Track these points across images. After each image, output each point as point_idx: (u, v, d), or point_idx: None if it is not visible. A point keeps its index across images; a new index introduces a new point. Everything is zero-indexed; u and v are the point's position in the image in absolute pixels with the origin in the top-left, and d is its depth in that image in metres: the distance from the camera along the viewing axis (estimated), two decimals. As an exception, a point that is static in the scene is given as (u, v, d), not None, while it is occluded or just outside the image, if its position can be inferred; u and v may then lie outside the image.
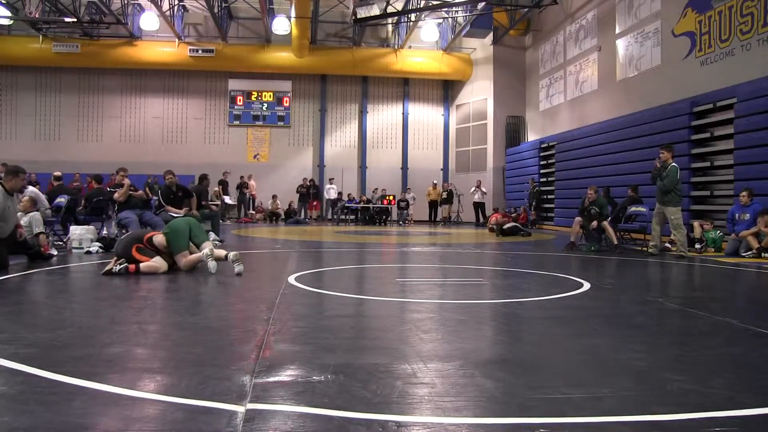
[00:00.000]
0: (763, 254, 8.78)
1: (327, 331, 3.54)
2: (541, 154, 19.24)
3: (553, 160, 18.48)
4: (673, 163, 9.04)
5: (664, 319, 4.24)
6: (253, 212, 21.35)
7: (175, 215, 8.93)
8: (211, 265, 5.92)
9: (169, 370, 2.64)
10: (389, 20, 21.01)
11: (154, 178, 16.07)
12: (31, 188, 9.28)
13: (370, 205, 20.75)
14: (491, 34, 20.91)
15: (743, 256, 8.96)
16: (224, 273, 5.94)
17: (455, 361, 2.85)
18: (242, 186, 20.82)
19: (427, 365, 2.73)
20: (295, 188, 21.66)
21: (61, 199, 9.66)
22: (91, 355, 2.89)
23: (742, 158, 10.42)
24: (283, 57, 21.67)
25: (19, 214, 8.49)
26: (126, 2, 20.42)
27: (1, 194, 6.33)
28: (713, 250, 9.98)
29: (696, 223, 10.44)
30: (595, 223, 9.87)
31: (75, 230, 8.66)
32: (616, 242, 9.85)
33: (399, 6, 19.83)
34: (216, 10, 19.86)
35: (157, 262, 5.96)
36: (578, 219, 10.26)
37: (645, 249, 9.63)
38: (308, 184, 21.79)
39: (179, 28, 21.02)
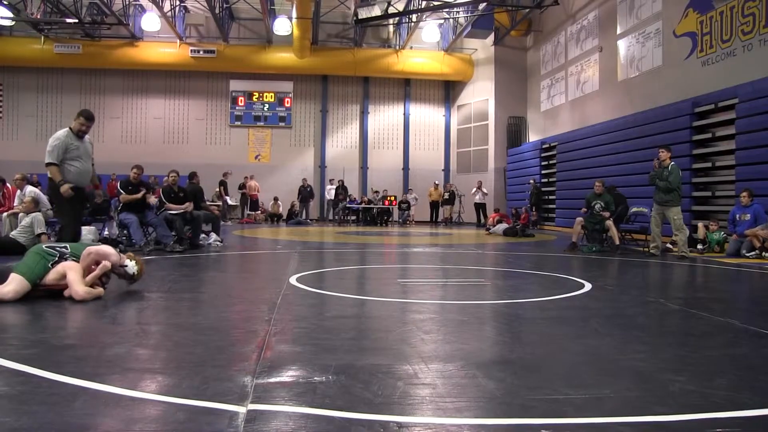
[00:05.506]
0: (764, 254, 8.77)
1: (328, 331, 3.54)
2: (543, 154, 19.22)
3: (554, 161, 18.46)
4: (673, 163, 9.06)
5: (665, 320, 4.24)
6: (255, 213, 21.34)
7: (176, 213, 8.96)
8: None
9: (170, 371, 2.64)
10: (390, 21, 21.01)
11: (155, 178, 16.12)
12: (32, 188, 9.29)
13: (372, 206, 20.75)
14: (492, 35, 20.89)
15: (746, 256, 8.95)
16: (225, 273, 5.93)
17: (456, 362, 2.84)
18: (243, 187, 20.82)
19: (428, 366, 2.73)
20: (297, 189, 21.61)
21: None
22: (92, 355, 2.89)
23: (743, 159, 10.40)
24: (284, 58, 21.67)
25: (20, 214, 8.54)
26: (127, 3, 20.44)
27: (73, 136, 6.11)
28: (715, 250, 9.97)
29: (701, 224, 10.42)
30: (607, 213, 9.84)
31: (76, 231, 8.67)
32: (618, 242, 9.84)
33: (400, 7, 19.83)
34: (217, 11, 19.87)
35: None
36: (579, 219, 10.24)
37: (646, 250, 9.62)
38: (307, 185, 21.76)
39: (180, 28, 21.02)
